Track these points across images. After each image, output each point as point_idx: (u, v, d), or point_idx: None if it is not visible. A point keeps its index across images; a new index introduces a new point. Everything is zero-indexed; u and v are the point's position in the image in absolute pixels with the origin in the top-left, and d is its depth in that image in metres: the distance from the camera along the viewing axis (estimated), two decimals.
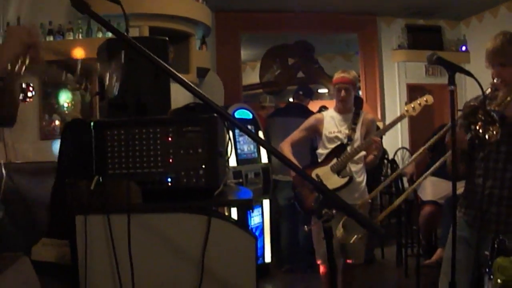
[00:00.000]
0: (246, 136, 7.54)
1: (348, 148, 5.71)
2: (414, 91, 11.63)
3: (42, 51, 2.84)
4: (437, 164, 5.17)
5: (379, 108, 12.30)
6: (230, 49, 11.54)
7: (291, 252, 8.21)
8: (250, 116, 7.89)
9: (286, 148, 5.99)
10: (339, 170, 5.69)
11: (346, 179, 5.64)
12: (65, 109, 7.71)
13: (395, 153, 10.94)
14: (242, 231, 2.95)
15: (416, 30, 12.50)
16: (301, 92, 8.52)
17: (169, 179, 3.03)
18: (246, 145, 7.57)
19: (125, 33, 2.66)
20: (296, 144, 6.07)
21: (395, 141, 11.80)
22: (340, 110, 5.95)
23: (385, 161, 9.98)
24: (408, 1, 11.14)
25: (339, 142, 5.79)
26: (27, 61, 2.79)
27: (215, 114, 3.04)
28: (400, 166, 10.21)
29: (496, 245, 3.25)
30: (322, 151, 5.92)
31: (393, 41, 12.48)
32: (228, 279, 2.92)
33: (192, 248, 2.87)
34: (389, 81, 12.48)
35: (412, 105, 5.66)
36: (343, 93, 5.82)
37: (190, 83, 2.14)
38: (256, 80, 14.53)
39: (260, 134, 7.93)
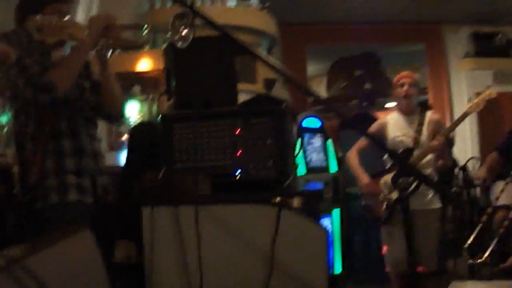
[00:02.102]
0: (315, 145, 7.49)
1: (415, 152, 5.49)
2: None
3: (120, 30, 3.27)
4: None
5: (448, 118, 12.09)
6: (296, 62, 11.45)
7: (363, 263, 8.10)
8: (319, 124, 7.80)
9: (352, 157, 5.87)
10: (407, 176, 5.49)
11: (413, 185, 5.44)
12: (132, 121, 7.77)
13: (465, 163, 10.74)
14: (313, 223, 2.89)
15: (482, 38, 12.25)
16: (364, 103, 8.44)
17: (238, 171, 2.99)
18: (315, 154, 7.47)
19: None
20: (362, 152, 5.95)
21: (464, 152, 11.58)
22: (404, 110, 5.72)
23: (456, 170, 9.78)
24: (474, 8, 10.95)
25: (405, 147, 5.57)
26: (110, 41, 3.24)
27: (283, 105, 3.00)
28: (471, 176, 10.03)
29: None
30: (388, 158, 5.70)
31: (459, 50, 12.26)
32: (299, 272, 2.85)
33: (261, 240, 2.82)
34: (457, 91, 12.25)
35: (476, 101, 5.48)
36: (406, 87, 5.60)
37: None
38: (323, 95, 14.49)
39: (329, 143, 7.85)
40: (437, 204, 5.59)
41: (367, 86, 13.25)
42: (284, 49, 11.15)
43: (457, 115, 12.16)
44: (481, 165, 9.37)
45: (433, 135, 5.53)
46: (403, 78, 5.68)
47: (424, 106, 8.65)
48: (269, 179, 2.96)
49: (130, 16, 7.51)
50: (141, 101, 7.69)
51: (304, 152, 7.14)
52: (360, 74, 13.56)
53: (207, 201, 2.85)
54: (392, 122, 5.75)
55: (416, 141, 5.53)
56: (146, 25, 3.31)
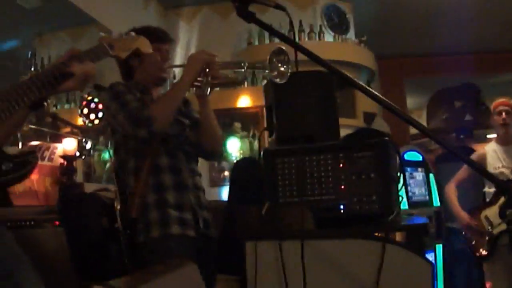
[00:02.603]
0: (417, 179, 7.39)
1: None
2: None
3: (219, 67, 3.34)
4: None
5: None
6: (395, 94, 11.42)
7: None
8: (420, 158, 7.71)
9: (450, 190, 5.85)
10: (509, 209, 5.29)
11: None
12: (233, 158, 7.85)
13: None
14: (417, 257, 2.83)
15: None
16: (462, 136, 8.29)
17: (342, 206, 2.97)
18: (418, 188, 7.37)
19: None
20: (461, 185, 5.82)
21: None
22: (503, 139, 5.61)
23: None
24: None
25: (506, 178, 5.39)
26: (209, 78, 3.31)
27: (386, 138, 2.97)
28: None
29: None
30: (489, 190, 5.58)
31: None
32: None
33: (366, 275, 2.78)
34: None
35: None
36: (504, 115, 5.49)
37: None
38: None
39: (431, 177, 7.74)
40: None
41: (468, 117, 13.02)
42: (382, 83, 11.12)
43: None
44: None
45: None
46: (500, 106, 5.56)
47: None
48: (373, 213, 2.92)
49: (229, 54, 7.64)
50: (242, 137, 7.77)
51: (406, 187, 7.06)
52: (460, 105, 13.35)
53: (312, 236, 2.83)
54: (491, 153, 5.63)
55: None
56: (244, 62, 3.35)
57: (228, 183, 4.27)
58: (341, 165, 2.98)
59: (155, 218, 3.27)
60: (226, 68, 3.47)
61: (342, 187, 2.96)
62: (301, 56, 2.49)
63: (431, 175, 7.77)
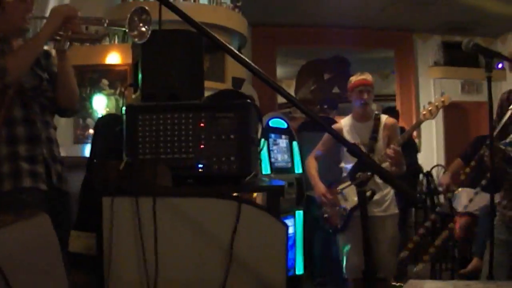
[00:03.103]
0: (280, 145, 7.50)
1: None
2: (450, 108, 11.52)
3: (80, 22, 3.28)
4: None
5: (426, 105, 12.18)
6: (266, 62, 11.47)
7: (324, 264, 8.09)
8: (285, 125, 7.81)
9: (311, 164, 5.85)
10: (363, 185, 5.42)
11: (369, 193, 5.34)
12: (99, 114, 7.74)
13: (430, 170, 10.83)
14: (273, 219, 2.88)
15: (452, 47, 12.39)
16: (325, 106, 8.43)
17: (200, 165, 3.00)
18: (280, 155, 7.48)
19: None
20: (320, 159, 5.91)
21: (430, 158, 11.70)
22: (360, 116, 5.62)
23: (421, 176, 9.86)
24: (445, 17, 11.08)
25: None
26: (69, 33, 3.23)
27: (249, 100, 3.01)
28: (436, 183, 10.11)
29: None
30: (345, 165, 5.67)
31: (429, 58, 12.42)
32: (257, 267, 2.84)
33: (221, 234, 2.80)
34: (425, 98, 12.31)
35: (429, 108, 5.25)
36: (366, 95, 5.47)
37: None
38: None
39: (295, 144, 7.87)
40: (395, 210, 5.58)
41: (336, 90, 13.34)
42: (254, 50, 11.20)
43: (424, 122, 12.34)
44: (445, 171, 9.47)
45: (388, 140, 5.49)
46: (360, 85, 5.53)
47: (392, 112, 8.71)
48: (231, 174, 2.96)
49: (102, 9, 7.49)
50: (109, 95, 7.66)
51: (270, 153, 7.16)
52: (329, 77, 13.64)
53: (167, 193, 2.83)
54: (347, 128, 5.68)
55: (371, 148, 5.49)
56: (105, 20, 3.31)
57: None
58: (202, 124, 3.00)
59: (6, 171, 3.21)
60: (87, 24, 3.51)
61: (202, 146, 2.99)
62: (175, 16, 2.47)
63: (294, 142, 7.89)
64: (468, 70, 12.16)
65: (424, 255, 6.57)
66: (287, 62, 13.59)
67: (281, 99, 13.40)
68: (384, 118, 5.62)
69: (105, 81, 7.67)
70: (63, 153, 5.90)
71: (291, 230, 7.44)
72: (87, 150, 7.10)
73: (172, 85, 3.37)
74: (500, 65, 12.23)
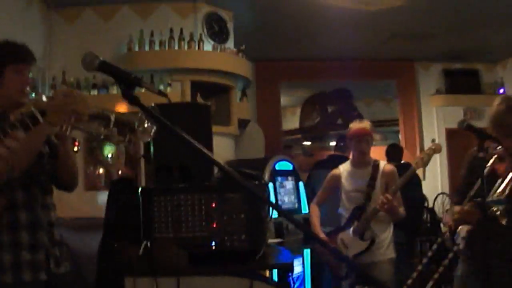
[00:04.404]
0: (287, 187, 7.67)
1: (367, 209, 5.46)
2: (453, 136, 11.64)
3: (87, 111, 3.12)
4: None
5: (419, 153, 12.25)
6: (270, 98, 11.65)
7: None
8: (291, 167, 7.98)
9: (313, 212, 5.89)
10: (361, 233, 5.48)
11: (368, 243, 5.43)
12: (109, 159, 7.89)
13: (435, 199, 10.92)
14: None
15: (453, 74, 12.40)
16: (342, 144, 8.44)
17: (213, 243, 3.19)
18: (287, 196, 7.65)
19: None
20: (323, 204, 5.98)
21: (434, 187, 11.79)
22: (358, 163, 5.67)
23: (425, 209, 9.98)
24: (445, 46, 11.13)
25: (357, 202, 5.54)
26: (72, 119, 3.10)
27: (257, 182, 3.20)
28: (440, 212, 10.24)
29: None
30: (343, 212, 5.71)
31: (431, 86, 12.44)
32: None
33: None
34: (428, 126, 12.46)
35: (421, 156, 5.34)
36: (364, 145, 5.54)
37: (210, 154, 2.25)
38: (296, 125, 14.72)
39: (301, 185, 8.02)
40: (392, 255, 5.61)
41: (340, 121, 13.51)
42: (258, 85, 11.32)
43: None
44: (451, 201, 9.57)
45: (386, 187, 5.50)
46: (357, 135, 5.58)
47: (399, 154, 8.83)
48: (243, 251, 3.16)
49: (108, 57, 7.64)
50: (117, 143, 7.78)
51: (276, 195, 7.32)
52: (332, 110, 13.81)
53: (185, 273, 3.03)
54: (345, 174, 5.72)
55: (369, 195, 5.51)
56: (113, 115, 3.23)
57: (105, 205, 4.31)
58: (213, 204, 3.20)
59: (7, 261, 3.18)
60: (95, 116, 3.22)
61: (214, 225, 3.19)
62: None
63: (300, 183, 8.03)
64: (470, 97, 12.20)
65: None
66: (291, 91, 13.72)
67: (286, 127, 13.61)
68: (382, 165, 5.67)
69: (114, 129, 7.81)
70: (76, 202, 6.06)
71: (299, 269, 7.60)
72: (100, 197, 7.26)
73: (183, 157, 3.55)
74: (501, 90, 12.37)
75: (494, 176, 3.92)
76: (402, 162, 8.80)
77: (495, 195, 3.69)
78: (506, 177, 3.76)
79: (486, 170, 3.91)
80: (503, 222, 3.65)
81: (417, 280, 6.94)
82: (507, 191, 3.65)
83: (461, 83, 12.44)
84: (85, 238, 4.55)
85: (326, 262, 5.88)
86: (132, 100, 2.15)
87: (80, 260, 4.21)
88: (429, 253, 4.25)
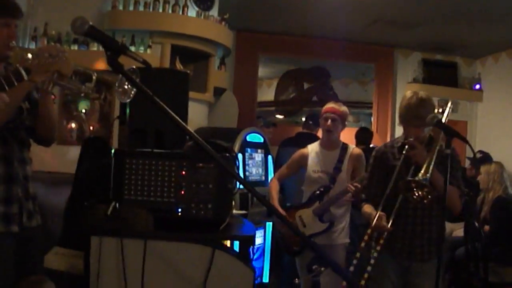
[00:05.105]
0: (256, 159, 7.75)
1: (331, 192, 5.53)
2: None
3: (70, 72, 3.23)
4: None
5: (389, 139, 12.35)
6: (248, 68, 11.66)
7: (290, 273, 8.32)
8: (262, 140, 8.04)
9: (273, 185, 5.94)
10: (321, 214, 5.54)
11: (326, 225, 5.51)
12: (83, 115, 7.88)
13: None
14: (243, 264, 3.19)
15: (432, 65, 12.49)
16: (310, 122, 8.47)
17: (180, 209, 3.27)
18: (255, 168, 7.72)
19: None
20: (284, 180, 6.06)
21: None
22: (326, 144, 5.72)
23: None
24: (427, 36, 11.16)
25: (322, 183, 5.60)
26: (55, 76, 3.19)
27: (227, 154, 3.28)
28: None
29: None
30: (306, 190, 5.78)
31: (408, 74, 12.47)
32: None
33: (195, 276, 3.11)
34: None
35: None
36: (329, 122, 5.56)
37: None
38: (271, 97, 14.78)
39: (269, 158, 8.12)
40: (346, 239, 5.68)
41: (314, 98, 13.57)
42: (237, 55, 11.34)
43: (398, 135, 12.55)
44: None
45: (353, 171, 5.61)
46: (327, 112, 5.61)
47: (368, 137, 8.91)
48: (208, 220, 3.25)
49: (92, 15, 7.62)
50: (94, 99, 7.77)
51: (244, 167, 7.40)
52: (308, 87, 13.86)
53: (151, 236, 3.11)
54: (313, 155, 5.76)
55: (334, 178, 5.57)
56: (94, 73, 3.33)
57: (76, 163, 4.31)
58: (183, 172, 3.28)
59: None
60: (76, 73, 3.33)
61: (182, 192, 3.27)
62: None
63: (269, 156, 8.13)
64: (446, 89, 12.25)
65: None
66: (270, 64, 13.74)
67: (261, 98, 13.65)
68: (351, 148, 5.72)
69: (89, 85, 7.78)
70: (48, 156, 6.08)
71: (260, 241, 7.72)
72: (71, 152, 7.25)
73: (158, 123, 3.62)
74: (477, 86, 12.49)
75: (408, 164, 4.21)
76: (371, 146, 8.90)
77: (420, 175, 3.87)
78: (423, 161, 3.99)
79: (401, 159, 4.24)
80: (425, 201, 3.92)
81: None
82: (429, 173, 3.84)
83: (439, 74, 12.51)
84: (53, 192, 4.57)
85: (281, 235, 5.92)
86: (117, 67, 2.20)
87: (48, 214, 4.24)
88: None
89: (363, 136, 9.08)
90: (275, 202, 5.79)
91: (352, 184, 5.31)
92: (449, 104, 4.38)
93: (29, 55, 3.14)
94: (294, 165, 5.94)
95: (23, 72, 3.11)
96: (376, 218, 4.14)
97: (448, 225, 7.90)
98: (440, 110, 4.41)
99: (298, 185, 6.06)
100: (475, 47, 11.79)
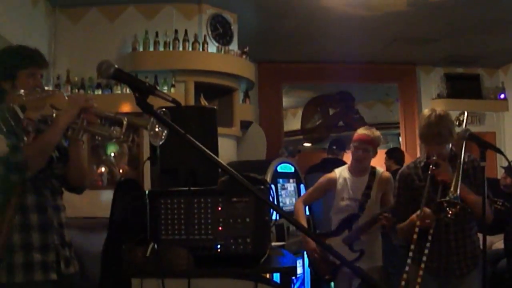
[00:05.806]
0: (288, 189, 7.72)
1: (360, 219, 5.40)
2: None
3: (97, 115, 3.22)
4: None
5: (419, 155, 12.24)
6: (272, 99, 11.71)
7: None
8: (292, 169, 8.03)
9: (299, 209, 5.84)
10: (350, 243, 5.38)
11: (356, 255, 5.34)
12: (112, 158, 7.92)
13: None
14: None
15: (455, 79, 12.41)
16: (334, 147, 8.44)
17: (219, 246, 3.26)
18: (288, 198, 7.69)
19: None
20: (310, 204, 5.95)
21: None
22: (355, 171, 5.61)
23: None
24: (447, 50, 11.13)
25: (350, 211, 5.45)
26: (84, 123, 3.21)
27: (262, 186, 3.27)
28: None
29: None
30: (334, 217, 5.63)
31: (432, 90, 12.42)
32: None
33: None
34: None
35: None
36: (360, 153, 5.45)
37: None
38: (297, 126, 14.79)
39: (302, 187, 8.07)
40: (379, 263, 5.56)
41: (341, 123, 13.55)
42: (260, 87, 11.37)
43: None
44: None
45: (382, 196, 5.49)
46: (357, 141, 5.49)
47: (400, 157, 8.83)
48: (247, 254, 3.22)
49: (113, 57, 7.68)
50: (120, 142, 7.79)
51: (278, 197, 7.37)
52: (334, 112, 13.85)
53: (193, 274, 3.09)
54: (341, 181, 5.64)
55: (363, 205, 5.44)
56: (125, 119, 3.19)
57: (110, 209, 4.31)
58: (219, 208, 3.27)
59: (19, 262, 3.24)
60: (105, 117, 3.27)
61: (220, 228, 3.25)
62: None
63: (301, 185, 8.08)
64: (471, 102, 12.19)
65: None
66: (293, 93, 13.77)
67: (288, 128, 13.64)
68: (379, 172, 5.61)
69: (118, 129, 7.81)
70: (78, 201, 6.09)
71: (299, 271, 7.65)
72: (103, 196, 7.29)
73: (190, 162, 3.61)
74: (502, 96, 12.40)
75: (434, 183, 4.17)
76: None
77: (450, 193, 3.84)
78: (450, 179, 3.98)
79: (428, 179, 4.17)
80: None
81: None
82: (458, 190, 3.83)
83: (462, 87, 12.44)
84: (88, 238, 4.57)
85: (312, 262, 5.83)
86: (147, 109, 2.20)
87: (83, 260, 4.24)
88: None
89: (398, 157, 9.04)
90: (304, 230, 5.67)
91: (383, 214, 5.13)
92: (465, 114, 4.36)
93: (22, 91, 3.13)
94: (321, 190, 5.84)
95: (19, 110, 3.16)
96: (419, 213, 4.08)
97: (488, 238, 7.77)
98: (457, 123, 4.41)
99: (326, 211, 5.97)
100: (495, 56, 11.72)
